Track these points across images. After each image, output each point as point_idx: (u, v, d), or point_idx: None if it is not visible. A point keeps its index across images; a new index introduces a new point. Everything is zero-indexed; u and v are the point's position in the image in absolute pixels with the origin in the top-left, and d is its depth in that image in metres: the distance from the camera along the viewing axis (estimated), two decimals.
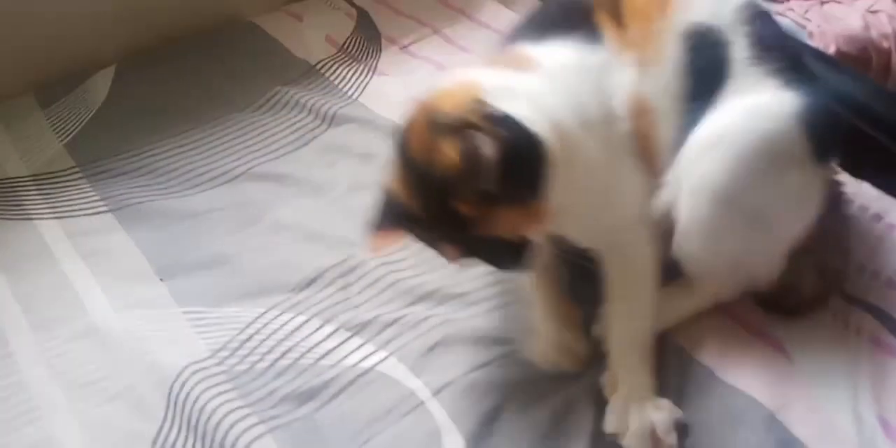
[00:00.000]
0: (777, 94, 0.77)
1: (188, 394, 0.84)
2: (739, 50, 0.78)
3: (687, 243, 0.78)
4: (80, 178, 1.17)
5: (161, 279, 1.00)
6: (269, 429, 0.81)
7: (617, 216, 0.81)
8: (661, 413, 0.76)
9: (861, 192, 0.95)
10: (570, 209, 0.76)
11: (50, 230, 1.09)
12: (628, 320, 0.82)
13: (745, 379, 0.79)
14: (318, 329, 0.91)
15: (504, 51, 0.83)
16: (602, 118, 0.78)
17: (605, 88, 0.79)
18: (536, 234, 0.77)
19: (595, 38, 0.80)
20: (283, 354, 0.89)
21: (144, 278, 1.00)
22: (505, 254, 0.76)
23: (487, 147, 0.68)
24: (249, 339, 0.91)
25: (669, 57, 0.78)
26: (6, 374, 0.91)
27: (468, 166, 0.68)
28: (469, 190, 0.69)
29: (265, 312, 0.94)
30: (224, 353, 0.89)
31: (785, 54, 0.80)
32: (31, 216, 1.11)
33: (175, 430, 0.83)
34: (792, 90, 0.77)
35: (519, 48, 0.82)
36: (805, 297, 0.85)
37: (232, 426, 0.81)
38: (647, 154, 0.80)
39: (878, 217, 0.94)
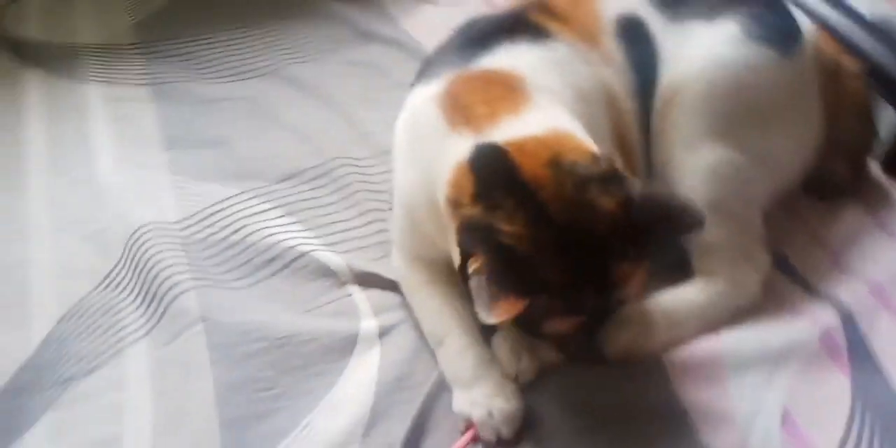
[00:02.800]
0: (708, 31, 0.80)
1: (143, 245, 0.93)
2: (653, 21, 0.82)
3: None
4: (137, 53, 1.29)
5: (168, 150, 1.10)
6: (198, 287, 0.88)
7: None
8: (505, 403, 0.72)
9: None
10: None
11: (94, 92, 1.21)
12: None
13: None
14: (277, 217, 0.98)
15: (462, 74, 0.78)
16: (591, 117, 0.76)
17: (583, 86, 0.78)
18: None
19: (541, 34, 0.80)
20: (237, 231, 0.95)
21: (152, 146, 1.11)
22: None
23: (636, 193, 0.65)
24: (215, 214, 0.98)
25: (616, 56, 0.81)
26: (14, 197, 1.04)
27: (630, 215, 0.64)
28: (631, 243, 0.65)
29: (239, 194, 1.01)
30: (189, 221, 0.97)
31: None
32: (83, 79, 1.24)
33: (124, 273, 0.92)
34: (719, 18, 0.81)
35: (483, 65, 0.78)
36: (839, 183, 0.90)
37: (168, 278, 0.89)
38: (625, 155, 0.80)
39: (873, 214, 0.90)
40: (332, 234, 0.95)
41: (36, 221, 1.01)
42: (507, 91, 0.74)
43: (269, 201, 1.00)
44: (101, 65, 1.27)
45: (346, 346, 0.82)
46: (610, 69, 0.80)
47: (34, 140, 1.14)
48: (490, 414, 0.70)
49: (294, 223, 0.97)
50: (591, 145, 0.69)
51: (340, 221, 0.97)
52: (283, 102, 1.17)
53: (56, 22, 1.36)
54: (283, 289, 0.89)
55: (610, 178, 0.65)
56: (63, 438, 0.76)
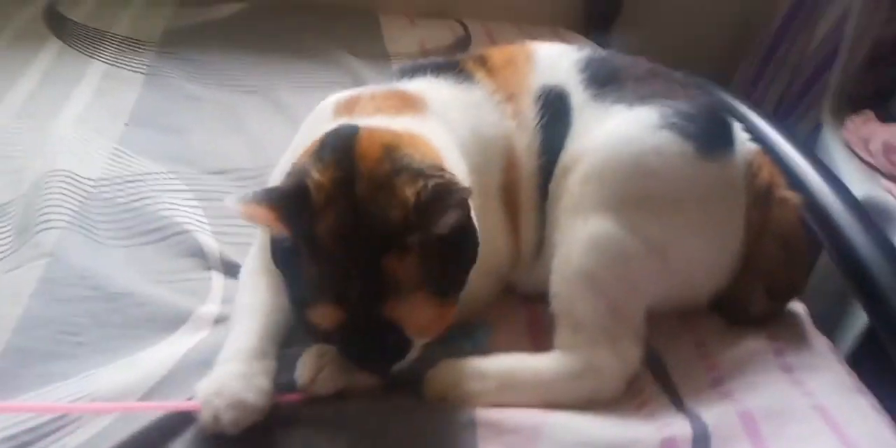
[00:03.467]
0: (626, 114, 0.78)
1: (46, 186, 0.95)
2: (577, 96, 0.82)
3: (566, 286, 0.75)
4: (151, 50, 1.40)
5: (126, 124, 1.15)
6: (66, 228, 0.88)
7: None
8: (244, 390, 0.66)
9: None
10: None
11: (96, 68, 1.31)
12: None
13: None
14: (185, 200, 0.99)
15: (374, 89, 0.83)
16: (480, 161, 0.78)
17: (485, 129, 0.80)
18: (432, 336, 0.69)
19: (466, 78, 0.83)
20: (139, 200, 0.97)
21: (117, 118, 1.16)
22: (383, 352, 0.67)
23: (450, 197, 0.63)
24: (131, 182, 1.00)
25: (529, 117, 0.81)
26: None
27: (426, 208, 0.62)
28: (416, 235, 0.62)
29: (165, 172, 1.03)
30: (104, 182, 0.99)
31: (622, 82, 0.82)
32: (93, 56, 1.34)
33: (16, 205, 0.94)
34: (642, 106, 0.79)
35: (397, 86, 0.83)
36: (751, 312, 0.84)
37: (44, 214, 0.89)
38: (510, 205, 0.81)
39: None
40: (226, 226, 0.95)
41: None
42: (401, 102, 0.77)
43: (187, 186, 1.01)
44: (116, 50, 1.37)
45: (175, 321, 0.79)
46: (516, 124, 0.81)
47: (23, 88, 1.22)
48: (219, 393, 0.64)
49: (197, 208, 0.97)
50: (442, 158, 0.69)
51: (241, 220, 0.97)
52: (255, 115, 1.22)
53: (102, 12, 1.50)
54: (149, 257, 0.88)
55: (439, 181, 0.63)
56: None
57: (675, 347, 0.82)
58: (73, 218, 0.90)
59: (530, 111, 0.82)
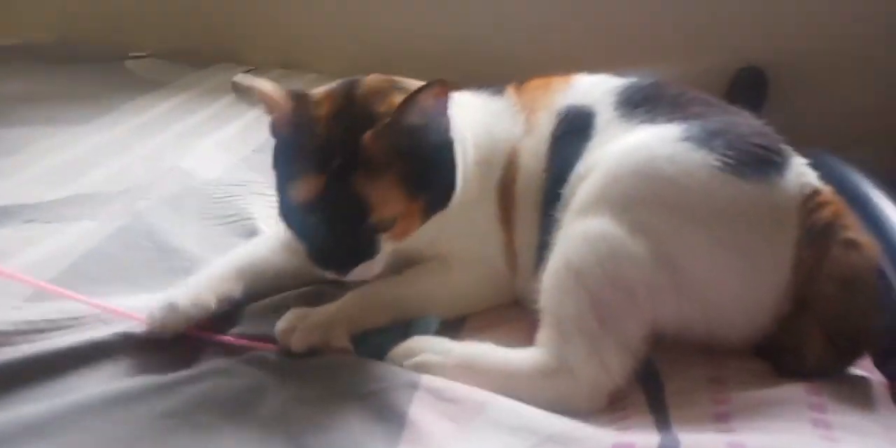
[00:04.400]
0: (654, 129, 0.77)
1: (169, 178, 1.15)
2: (605, 115, 0.82)
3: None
4: None
5: (253, 150, 1.32)
6: (165, 206, 1.05)
7: (464, 246, 0.84)
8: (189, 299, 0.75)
9: None
10: (436, 231, 0.81)
11: (253, 114, 1.51)
12: (394, 286, 0.82)
13: None
14: (267, 201, 1.09)
15: None
16: (487, 156, 0.85)
17: (497, 131, 0.86)
18: (392, 242, 0.76)
19: (498, 92, 0.91)
20: (233, 196, 1.11)
21: (249, 146, 1.34)
22: (350, 242, 0.73)
23: (431, 102, 0.72)
24: (235, 186, 1.14)
25: (544, 128, 0.84)
26: None
27: (406, 108, 0.71)
28: (390, 127, 0.71)
29: (262, 183, 1.15)
30: (213, 182, 1.15)
31: (656, 104, 0.80)
32: (255, 106, 1.55)
33: None
34: (668, 124, 0.77)
35: None
36: (807, 364, 0.73)
37: (154, 197, 1.08)
38: (505, 202, 0.84)
39: None
40: None
41: None
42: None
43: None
44: None
45: None
46: (525, 131, 0.85)
47: (189, 121, 1.48)
48: (161, 299, 0.75)
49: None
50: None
51: None
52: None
53: (281, 79, 1.76)
54: (214, 233, 1.01)
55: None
56: None
57: (683, 377, 0.74)
58: (168, 197, 1.08)
59: (547, 123, 0.84)
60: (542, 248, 0.79)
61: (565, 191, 0.80)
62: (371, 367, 0.71)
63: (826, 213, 0.75)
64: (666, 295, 0.72)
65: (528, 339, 0.78)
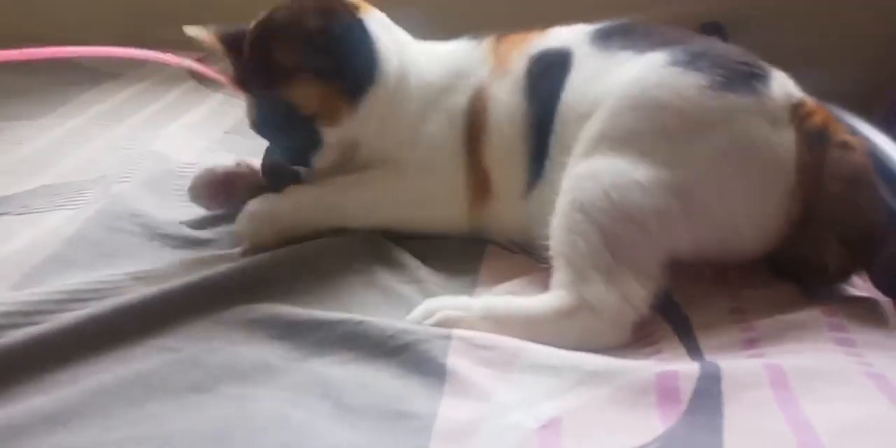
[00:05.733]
0: (636, 61, 0.78)
1: (145, 161, 1.10)
2: (581, 50, 0.84)
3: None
4: None
5: (225, 132, 1.29)
6: (144, 188, 1.00)
7: (419, 156, 0.88)
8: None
9: None
10: (378, 124, 0.87)
11: (217, 99, 1.49)
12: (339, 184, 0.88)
13: None
14: None
15: None
16: (448, 98, 0.88)
17: (458, 66, 0.90)
18: (332, 130, 0.86)
19: (475, 38, 0.93)
20: None
21: (220, 129, 1.31)
22: (297, 138, 0.86)
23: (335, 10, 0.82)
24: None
25: (517, 70, 0.87)
26: None
27: (306, 8, 0.81)
28: (295, 31, 0.82)
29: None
30: (190, 165, 1.10)
31: (631, 35, 0.83)
32: (219, 90, 1.52)
33: None
34: (653, 52, 0.78)
35: None
36: (830, 271, 0.76)
37: (132, 179, 1.03)
38: (471, 139, 0.87)
39: None
40: None
41: None
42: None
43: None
44: None
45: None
46: (494, 75, 0.88)
47: (147, 110, 1.40)
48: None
49: None
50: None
51: None
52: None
53: None
54: (197, 211, 0.98)
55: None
56: None
57: (706, 309, 0.74)
58: (147, 180, 1.03)
59: (520, 65, 0.86)
60: (531, 181, 0.83)
61: (557, 126, 0.81)
62: (399, 324, 0.68)
63: (817, 119, 0.77)
64: (677, 219, 0.73)
65: (542, 291, 0.76)
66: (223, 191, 0.96)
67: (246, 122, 0.92)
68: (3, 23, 1.80)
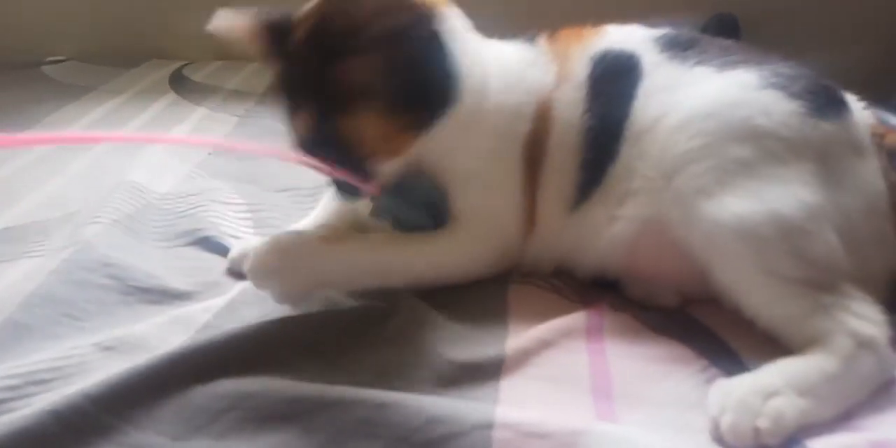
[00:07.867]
0: (721, 78, 0.73)
1: (118, 194, 0.97)
2: (650, 57, 0.77)
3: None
4: (252, 99, 1.46)
5: (209, 153, 1.16)
6: (118, 229, 0.88)
7: (473, 198, 0.76)
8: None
9: None
10: (447, 150, 0.74)
11: (199, 114, 1.39)
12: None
13: None
14: (237, 212, 0.96)
15: None
16: (512, 105, 0.77)
17: (526, 81, 0.78)
18: (388, 163, 0.72)
19: (530, 40, 0.83)
20: (195, 207, 0.95)
21: (203, 150, 1.18)
22: (350, 166, 0.71)
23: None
24: (194, 195, 0.99)
25: (580, 73, 0.78)
26: None
27: (387, 6, 0.66)
28: (370, 35, 0.66)
29: (225, 189, 1.02)
30: (170, 196, 1.00)
31: (703, 47, 0.77)
32: (200, 104, 1.44)
33: None
34: (735, 70, 0.73)
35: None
36: None
37: (104, 218, 0.90)
38: (530, 166, 0.77)
39: None
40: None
41: None
42: None
43: (245, 200, 0.99)
44: (221, 100, 1.48)
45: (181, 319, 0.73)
46: (557, 79, 0.78)
47: (129, 127, 1.30)
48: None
49: (248, 219, 0.94)
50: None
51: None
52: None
53: (221, 73, 1.65)
54: (182, 255, 0.86)
55: None
56: None
57: None
58: (121, 218, 0.91)
59: (582, 68, 0.77)
60: (582, 191, 0.76)
61: (626, 135, 0.74)
62: (429, 407, 0.56)
63: (892, 138, 0.75)
64: (827, 232, 0.67)
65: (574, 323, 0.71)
66: None
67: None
68: None
